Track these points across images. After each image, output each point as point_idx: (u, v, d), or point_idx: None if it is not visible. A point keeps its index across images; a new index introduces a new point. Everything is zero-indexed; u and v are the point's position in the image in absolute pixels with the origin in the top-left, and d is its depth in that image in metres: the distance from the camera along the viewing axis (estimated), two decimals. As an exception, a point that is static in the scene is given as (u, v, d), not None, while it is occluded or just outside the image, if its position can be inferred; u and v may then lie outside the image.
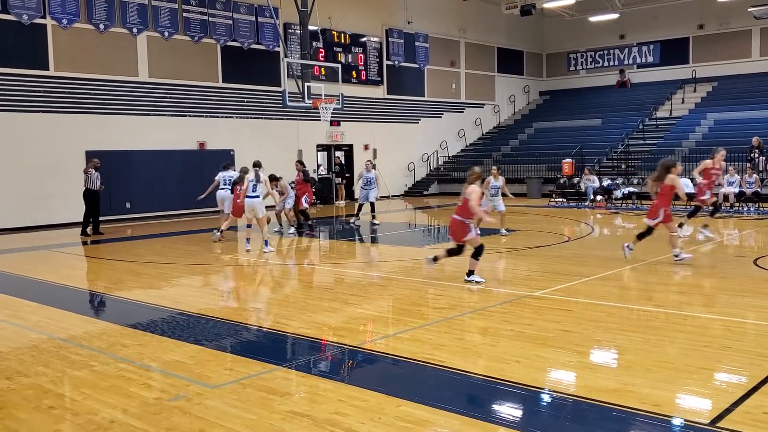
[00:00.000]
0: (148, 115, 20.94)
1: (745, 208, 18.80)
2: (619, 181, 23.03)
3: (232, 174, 14.88)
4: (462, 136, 31.73)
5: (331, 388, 5.13)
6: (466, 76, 31.89)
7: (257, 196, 12.50)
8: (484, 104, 33.00)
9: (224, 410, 4.71)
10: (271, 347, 6.60)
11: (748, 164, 20.13)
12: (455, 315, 7.44)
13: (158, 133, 21.05)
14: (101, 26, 19.77)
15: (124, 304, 8.72)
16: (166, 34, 21.23)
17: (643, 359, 5.62)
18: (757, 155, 20.71)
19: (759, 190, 19.20)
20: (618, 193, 21.90)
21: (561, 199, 23.23)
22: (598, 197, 21.81)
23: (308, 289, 9.54)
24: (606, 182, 22.56)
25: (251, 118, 23.47)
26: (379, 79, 27.85)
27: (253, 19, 23.47)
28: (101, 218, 17.05)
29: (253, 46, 23.48)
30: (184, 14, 21.64)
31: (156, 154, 20.90)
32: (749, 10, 26.71)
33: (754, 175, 19.39)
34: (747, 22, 28.50)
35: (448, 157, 30.75)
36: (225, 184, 14.98)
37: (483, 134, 32.75)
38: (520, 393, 4.96)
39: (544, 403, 4.85)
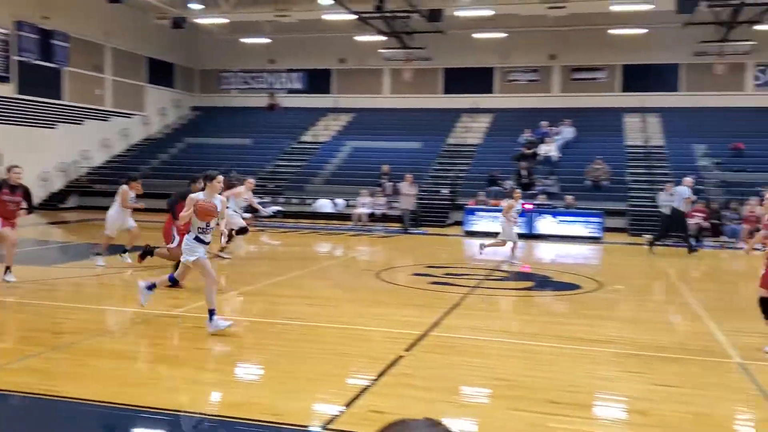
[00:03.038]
0: None
1: (376, 227, 21.10)
2: (267, 200, 23.88)
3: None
4: (107, 147, 29.72)
5: None
6: (113, 83, 30.06)
7: None
8: (132, 114, 31.43)
9: None
10: None
11: (379, 188, 22.75)
12: (82, 340, 6.83)
13: None
14: None
15: None
16: None
17: (273, 371, 5.83)
18: (386, 180, 23.46)
19: (385, 211, 21.78)
20: (268, 211, 22.65)
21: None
22: (247, 215, 22.26)
23: None
24: (256, 200, 23.17)
25: None
26: (7, 75, 24.64)
27: None
28: None
29: None
30: None
31: None
32: (379, 51, 30.09)
33: (383, 198, 21.98)
34: (380, 62, 31.98)
35: (91, 168, 28.51)
36: None
37: (131, 146, 31.11)
38: (148, 417, 4.73)
39: (170, 424, 4.70)
